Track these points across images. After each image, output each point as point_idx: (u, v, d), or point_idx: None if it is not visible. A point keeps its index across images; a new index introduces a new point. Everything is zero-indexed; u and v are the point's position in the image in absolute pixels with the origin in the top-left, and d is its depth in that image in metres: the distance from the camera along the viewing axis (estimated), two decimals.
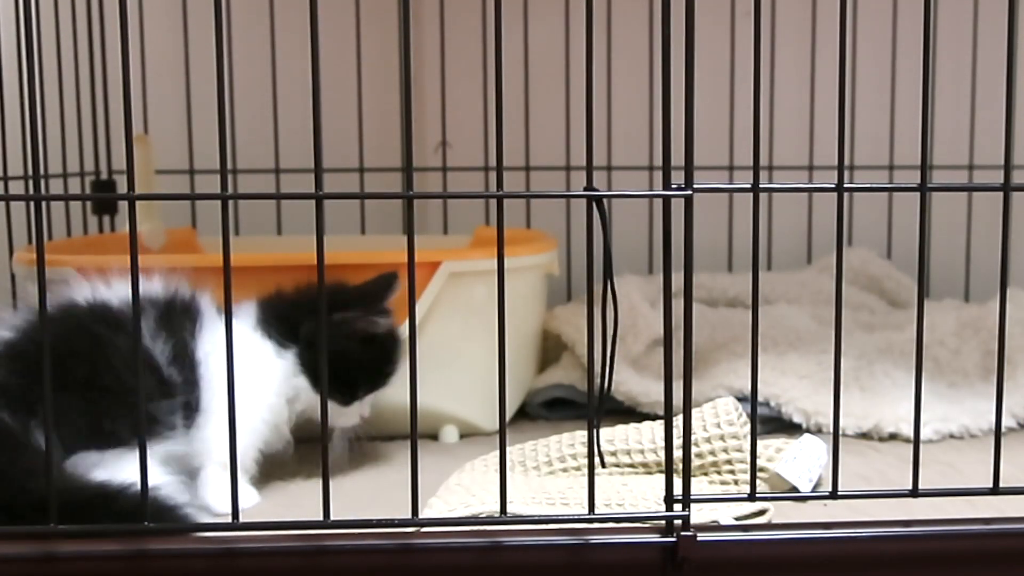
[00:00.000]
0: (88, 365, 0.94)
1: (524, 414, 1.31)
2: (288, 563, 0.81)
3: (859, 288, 1.62)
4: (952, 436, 1.21)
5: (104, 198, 1.53)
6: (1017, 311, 1.33)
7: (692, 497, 0.82)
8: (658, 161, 1.57)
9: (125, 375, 0.93)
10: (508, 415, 1.00)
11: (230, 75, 1.57)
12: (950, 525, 0.85)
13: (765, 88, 1.63)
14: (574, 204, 1.59)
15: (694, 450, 0.99)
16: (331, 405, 0.99)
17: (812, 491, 0.97)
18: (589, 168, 0.80)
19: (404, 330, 1.07)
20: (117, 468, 0.90)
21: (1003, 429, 0.88)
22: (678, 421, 0.83)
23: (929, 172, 0.83)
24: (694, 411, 1.00)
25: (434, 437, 1.21)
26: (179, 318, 1.00)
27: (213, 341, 0.99)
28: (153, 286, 1.01)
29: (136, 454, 0.81)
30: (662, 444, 0.97)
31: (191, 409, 0.97)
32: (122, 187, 1.54)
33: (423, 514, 0.86)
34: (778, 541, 0.84)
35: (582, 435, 1.03)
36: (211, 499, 0.96)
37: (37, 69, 0.83)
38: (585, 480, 0.82)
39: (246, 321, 1.04)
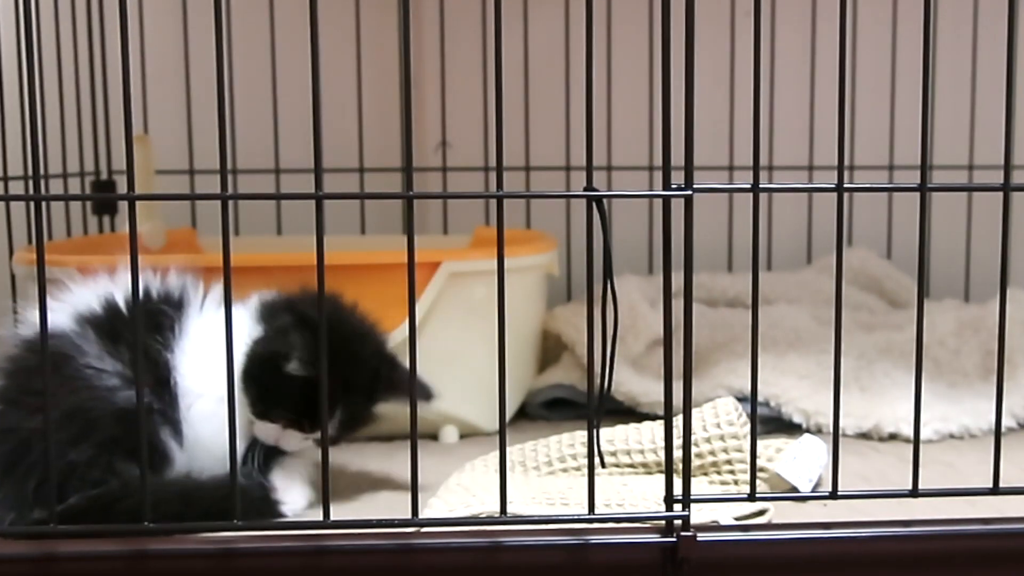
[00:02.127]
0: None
1: (524, 414, 1.31)
2: (288, 563, 0.81)
3: (859, 288, 1.62)
4: (952, 436, 1.21)
5: (104, 198, 1.53)
6: (1017, 311, 1.33)
7: (692, 497, 0.82)
8: (658, 161, 1.57)
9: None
10: (508, 415, 1.00)
11: (230, 75, 1.57)
12: (950, 525, 0.85)
13: (765, 88, 1.63)
14: (574, 204, 1.59)
15: (694, 450, 0.99)
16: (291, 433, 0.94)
17: (812, 491, 0.97)
18: (589, 168, 0.80)
19: (404, 330, 1.07)
20: None
21: (1003, 429, 0.88)
22: (678, 421, 0.83)
23: (929, 172, 0.83)
24: (694, 411, 1.00)
25: (434, 437, 1.21)
26: (154, 325, 0.93)
27: (193, 343, 0.94)
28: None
29: None
30: (662, 444, 0.97)
31: (176, 429, 0.93)
32: (122, 187, 1.54)
33: (423, 514, 0.86)
34: (778, 541, 0.84)
35: (582, 435, 1.03)
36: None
37: (37, 69, 0.83)
38: (585, 480, 0.82)
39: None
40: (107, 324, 0.93)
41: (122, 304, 0.94)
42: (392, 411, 0.98)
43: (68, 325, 0.92)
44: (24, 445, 0.88)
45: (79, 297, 0.95)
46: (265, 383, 0.93)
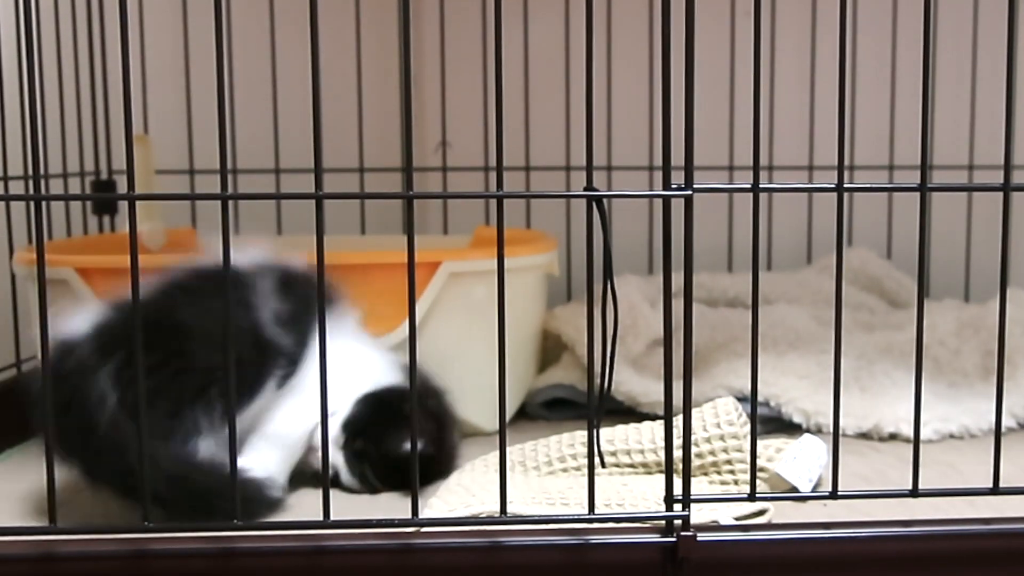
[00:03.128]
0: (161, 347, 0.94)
1: (524, 414, 1.31)
2: (288, 563, 0.81)
3: (859, 288, 1.62)
4: (952, 436, 1.21)
5: (104, 198, 1.53)
6: (1017, 311, 1.33)
7: (692, 497, 0.82)
8: (658, 161, 1.57)
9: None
10: (508, 415, 1.00)
11: (230, 75, 1.57)
12: (950, 525, 0.85)
13: (765, 88, 1.63)
14: (574, 204, 1.59)
15: (694, 450, 0.99)
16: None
17: (812, 491, 0.97)
18: (589, 168, 0.80)
19: (404, 330, 1.07)
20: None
21: (1003, 429, 0.88)
22: (678, 421, 0.83)
23: (929, 172, 0.83)
24: (694, 411, 1.00)
25: None
26: (305, 294, 0.99)
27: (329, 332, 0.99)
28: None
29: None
30: (662, 444, 0.97)
31: (287, 376, 0.98)
32: (122, 187, 1.54)
33: (423, 514, 0.86)
34: (778, 541, 0.84)
35: (582, 435, 1.03)
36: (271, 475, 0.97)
37: (37, 69, 0.83)
38: (585, 480, 0.82)
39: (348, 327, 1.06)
40: (282, 281, 1.00)
41: (298, 272, 1.01)
42: None
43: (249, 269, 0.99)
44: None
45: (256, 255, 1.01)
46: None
